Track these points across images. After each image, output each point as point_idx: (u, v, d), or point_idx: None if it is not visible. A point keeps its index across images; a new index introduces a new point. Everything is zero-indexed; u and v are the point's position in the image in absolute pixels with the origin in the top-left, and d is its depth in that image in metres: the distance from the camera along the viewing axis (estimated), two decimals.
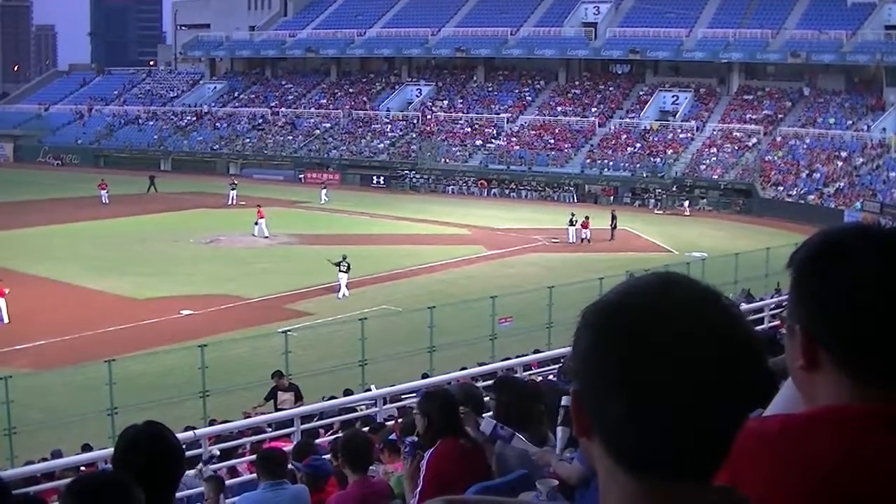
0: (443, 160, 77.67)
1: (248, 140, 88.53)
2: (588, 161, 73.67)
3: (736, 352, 1.41)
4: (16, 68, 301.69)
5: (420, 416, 6.63)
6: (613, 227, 52.50)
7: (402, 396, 17.27)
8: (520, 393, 6.92)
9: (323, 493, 8.56)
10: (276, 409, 19.35)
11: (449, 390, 8.06)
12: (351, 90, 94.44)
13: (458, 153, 78.48)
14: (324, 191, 67.29)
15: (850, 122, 70.81)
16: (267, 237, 50.41)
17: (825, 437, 1.65)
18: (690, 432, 1.39)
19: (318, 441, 13.12)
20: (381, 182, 77.31)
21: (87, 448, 15.92)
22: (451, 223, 56.81)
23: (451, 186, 74.98)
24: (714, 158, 70.80)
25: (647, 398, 1.38)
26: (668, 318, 1.40)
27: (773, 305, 21.61)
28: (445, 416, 6.43)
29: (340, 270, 37.28)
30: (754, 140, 71.73)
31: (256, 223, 50.96)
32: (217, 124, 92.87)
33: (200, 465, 11.17)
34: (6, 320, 33.23)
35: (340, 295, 37.10)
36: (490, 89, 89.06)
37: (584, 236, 51.37)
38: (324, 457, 10.31)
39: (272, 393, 20.92)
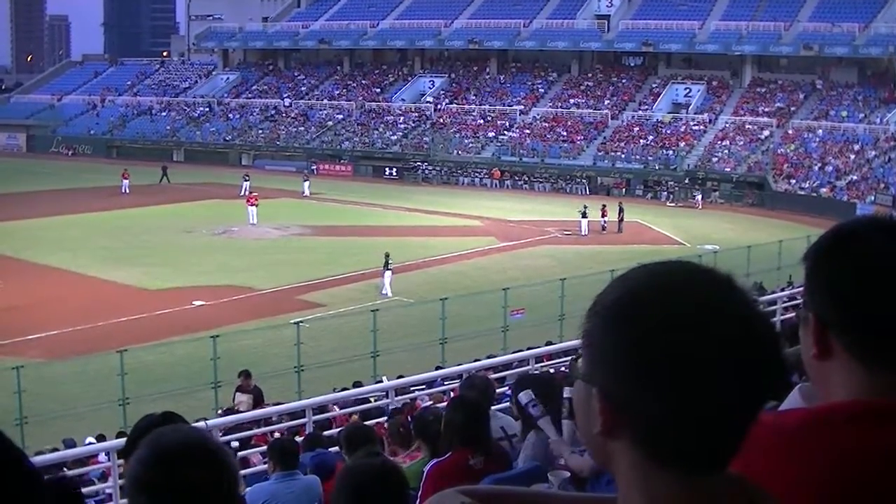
0: (455, 152, 77.62)
1: (260, 131, 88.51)
2: (600, 153, 73.49)
3: (763, 342, 1.41)
4: (29, 58, 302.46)
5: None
6: (621, 220, 52.48)
7: (413, 388, 17.28)
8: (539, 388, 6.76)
9: (329, 485, 8.56)
10: (234, 410, 18.51)
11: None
12: (364, 82, 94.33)
13: (471, 145, 78.39)
14: (306, 183, 65.57)
15: (863, 114, 70.56)
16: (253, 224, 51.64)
17: (840, 433, 1.66)
18: (726, 425, 1.40)
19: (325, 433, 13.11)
20: (394, 173, 77.15)
21: (100, 438, 15.96)
22: (463, 215, 56.72)
23: (464, 178, 74.93)
24: (726, 151, 70.60)
25: (691, 394, 1.36)
26: (703, 312, 1.39)
27: (785, 298, 21.54)
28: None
29: (387, 268, 37.26)
30: (767, 133, 71.45)
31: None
32: (230, 115, 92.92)
33: None
34: None
35: (383, 291, 36.92)
36: (503, 81, 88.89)
37: (603, 224, 51.80)
38: (330, 449, 10.32)
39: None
